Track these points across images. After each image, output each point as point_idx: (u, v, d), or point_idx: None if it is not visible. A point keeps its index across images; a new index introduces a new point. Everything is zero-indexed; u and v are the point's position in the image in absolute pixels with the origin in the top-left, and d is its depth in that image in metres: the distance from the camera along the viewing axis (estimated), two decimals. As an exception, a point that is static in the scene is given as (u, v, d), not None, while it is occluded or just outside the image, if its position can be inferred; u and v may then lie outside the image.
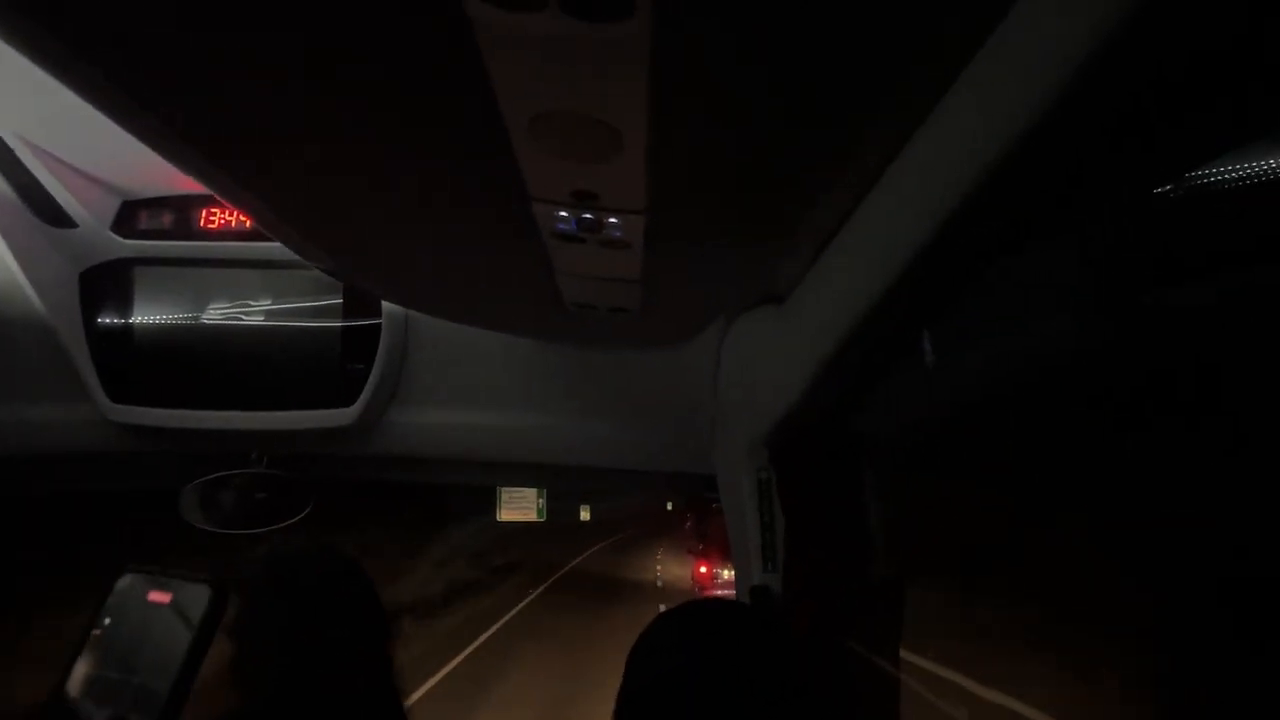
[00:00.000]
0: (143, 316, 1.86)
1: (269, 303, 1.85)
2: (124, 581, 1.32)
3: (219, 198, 1.06)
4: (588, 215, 0.94)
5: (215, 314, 1.86)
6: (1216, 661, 1.27)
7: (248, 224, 1.80)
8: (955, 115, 0.74)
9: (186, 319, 1.86)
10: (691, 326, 1.55)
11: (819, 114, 0.77)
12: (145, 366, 1.86)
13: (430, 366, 1.91)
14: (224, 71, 0.71)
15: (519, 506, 9.79)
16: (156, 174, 1.75)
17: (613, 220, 0.96)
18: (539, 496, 9.74)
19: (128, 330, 1.85)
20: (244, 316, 1.85)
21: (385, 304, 1.84)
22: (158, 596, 1.29)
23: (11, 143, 1.54)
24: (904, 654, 1.29)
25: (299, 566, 1.34)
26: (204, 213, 1.80)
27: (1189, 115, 0.71)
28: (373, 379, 1.85)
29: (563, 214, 0.95)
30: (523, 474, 2.10)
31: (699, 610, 0.98)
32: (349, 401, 1.85)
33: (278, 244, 1.76)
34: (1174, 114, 0.68)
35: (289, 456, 1.97)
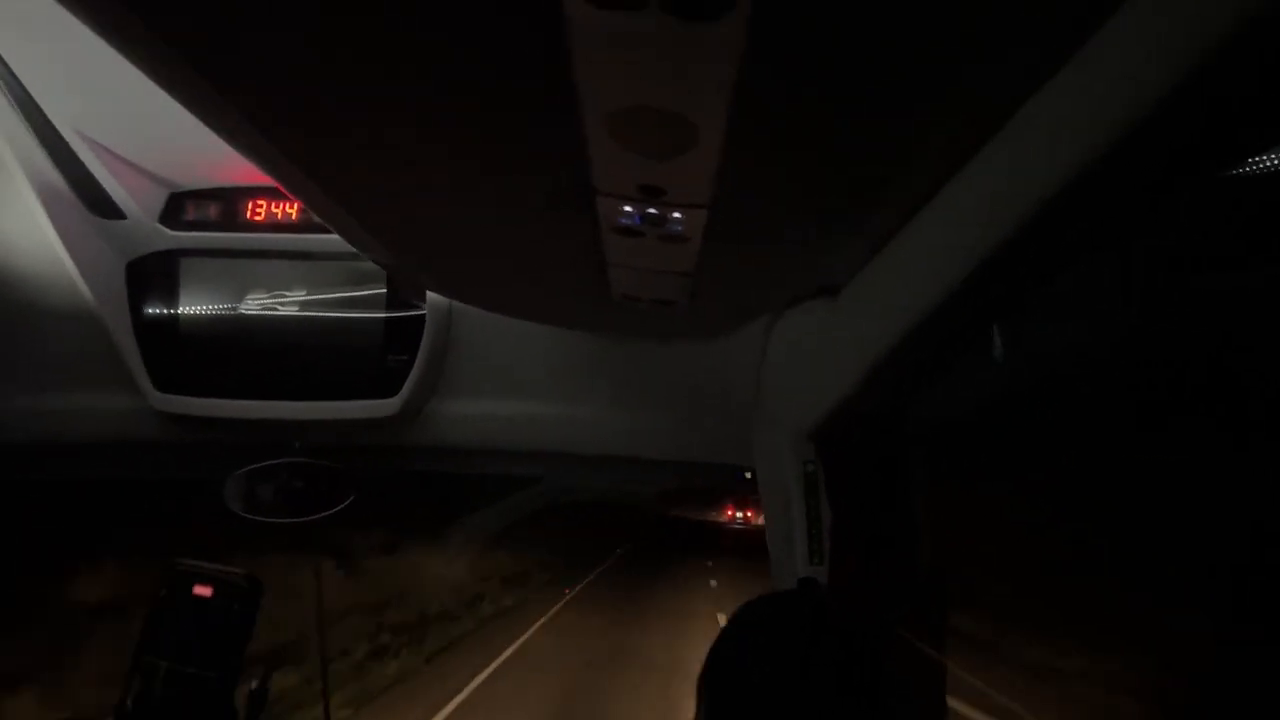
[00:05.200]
0: (189, 307, 1.88)
1: (313, 294, 1.87)
2: (172, 576, 1.40)
3: (281, 187, 1.06)
4: (652, 210, 0.94)
5: (260, 305, 1.87)
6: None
7: (294, 216, 1.81)
8: (1028, 127, 0.73)
9: (232, 310, 1.88)
10: (737, 319, 1.55)
11: (894, 113, 0.76)
12: (191, 356, 1.88)
13: (472, 358, 1.92)
14: (301, 61, 0.71)
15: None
16: (203, 166, 1.77)
17: (676, 215, 0.96)
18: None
19: (174, 320, 1.88)
20: (288, 308, 1.87)
21: (430, 296, 1.85)
22: (201, 590, 1.37)
23: (68, 136, 1.56)
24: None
25: None
26: (250, 205, 1.82)
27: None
28: (415, 370, 1.86)
29: (627, 209, 0.95)
30: (562, 465, 2.11)
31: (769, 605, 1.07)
32: (392, 392, 1.86)
33: (322, 236, 1.78)
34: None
35: (332, 447, 1.99)
